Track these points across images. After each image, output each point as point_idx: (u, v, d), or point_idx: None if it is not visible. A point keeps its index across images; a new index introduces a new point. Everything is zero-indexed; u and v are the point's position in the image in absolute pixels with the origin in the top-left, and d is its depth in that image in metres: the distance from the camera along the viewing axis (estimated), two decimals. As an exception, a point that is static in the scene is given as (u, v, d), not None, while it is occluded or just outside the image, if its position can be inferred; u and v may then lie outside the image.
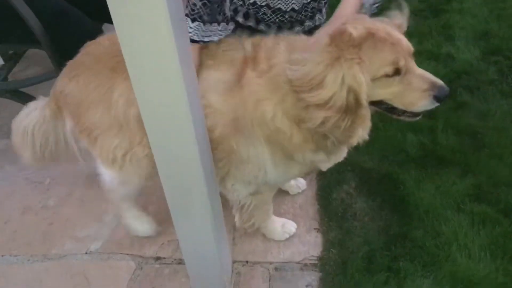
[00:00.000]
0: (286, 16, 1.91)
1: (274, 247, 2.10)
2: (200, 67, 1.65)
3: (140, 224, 2.15)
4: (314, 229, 2.16)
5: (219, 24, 1.75)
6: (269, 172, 1.66)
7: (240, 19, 1.99)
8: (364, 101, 1.38)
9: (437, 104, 1.42)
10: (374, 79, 1.38)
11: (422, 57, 3.06)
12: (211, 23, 1.78)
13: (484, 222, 2.07)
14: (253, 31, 1.96)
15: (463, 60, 3.12)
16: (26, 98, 2.77)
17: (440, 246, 1.99)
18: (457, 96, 2.79)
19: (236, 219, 2.01)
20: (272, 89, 1.50)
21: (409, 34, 1.51)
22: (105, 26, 2.78)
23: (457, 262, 1.92)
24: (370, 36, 1.37)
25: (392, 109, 1.50)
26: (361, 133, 1.53)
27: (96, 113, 1.71)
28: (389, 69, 1.38)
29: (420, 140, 2.51)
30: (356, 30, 1.37)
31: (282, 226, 2.11)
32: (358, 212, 2.21)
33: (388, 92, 1.43)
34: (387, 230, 2.11)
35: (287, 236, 2.11)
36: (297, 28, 1.93)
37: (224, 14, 1.80)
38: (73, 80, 1.75)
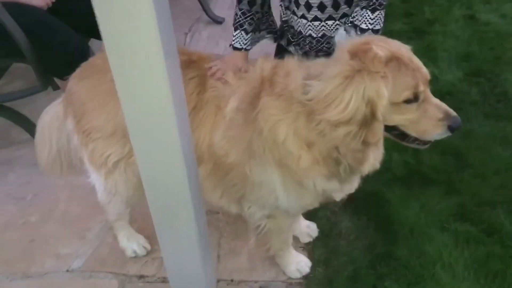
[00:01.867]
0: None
1: (259, 265, 2.08)
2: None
3: (137, 245, 2.13)
4: (300, 247, 2.15)
5: (259, 32, 1.87)
6: (280, 197, 1.62)
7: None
8: (380, 115, 1.35)
9: (450, 134, 1.43)
10: (393, 103, 1.37)
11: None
12: (254, 32, 1.90)
13: (468, 241, 2.08)
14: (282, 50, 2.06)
15: (446, 81, 3.17)
16: (10, 113, 2.74)
17: (425, 265, 2.00)
18: (441, 116, 2.82)
19: (252, 240, 1.99)
20: (285, 109, 1.47)
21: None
22: (92, 41, 2.78)
23: (441, 281, 1.93)
24: (395, 59, 1.37)
25: (403, 136, 1.49)
26: (372, 160, 1.53)
27: (101, 117, 1.70)
28: (409, 94, 1.37)
29: (404, 159, 2.53)
30: (382, 51, 1.36)
31: (297, 263, 2.01)
32: (344, 230, 2.21)
33: (404, 118, 1.42)
34: (372, 248, 2.11)
35: (299, 275, 2.00)
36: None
37: (270, 24, 1.84)
38: (83, 80, 1.76)
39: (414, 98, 1.39)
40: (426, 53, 3.42)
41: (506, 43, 3.50)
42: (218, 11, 4.12)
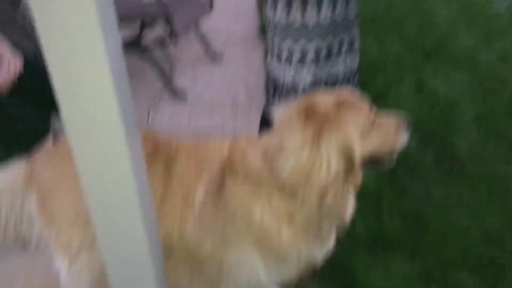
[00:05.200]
0: None
1: None
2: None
3: None
4: (268, 320, 2.09)
5: None
6: (261, 275, 1.59)
7: None
8: (358, 161, 1.39)
9: (409, 132, 1.54)
10: (363, 134, 1.43)
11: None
12: None
13: (435, 306, 2.09)
14: None
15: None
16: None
17: (394, 334, 1.98)
18: (399, 180, 2.91)
19: None
20: (255, 192, 1.48)
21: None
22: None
23: None
24: (341, 101, 1.43)
25: (377, 162, 1.54)
26: (352, 203, 1.55)
27: (64, 204, 1.65)
28: (371, 118, 1.45)
29: (368, 225, 2.56)
30: (327, 101, 1.42)
31: None
32: (311, 300, 2.18)
33: (375, 142, 1.47)
34: (340, 318, 2.08)
35: None
36: None
37: None
38: (50, 167, 1.70)
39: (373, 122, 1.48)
40: (381, 120, 3.55)
41: (455, 109, 3.70)
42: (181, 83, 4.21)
